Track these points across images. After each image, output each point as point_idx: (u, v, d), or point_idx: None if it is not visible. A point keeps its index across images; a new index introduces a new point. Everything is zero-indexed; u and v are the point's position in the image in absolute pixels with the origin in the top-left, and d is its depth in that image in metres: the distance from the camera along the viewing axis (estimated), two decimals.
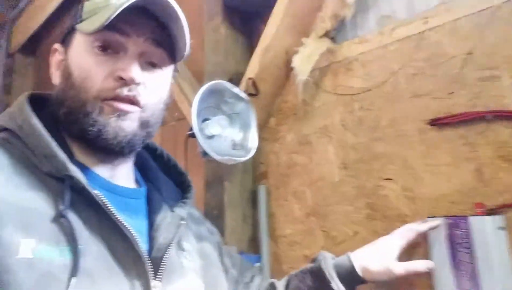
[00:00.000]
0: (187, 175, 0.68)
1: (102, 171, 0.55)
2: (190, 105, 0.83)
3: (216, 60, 1.22)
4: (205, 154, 0.83)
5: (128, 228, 0.49)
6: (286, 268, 1.05)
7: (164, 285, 0.50)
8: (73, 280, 0.42)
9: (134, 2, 0.50)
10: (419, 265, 0.69)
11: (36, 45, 2.46)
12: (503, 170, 0.72)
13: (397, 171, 0.87)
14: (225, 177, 1.12)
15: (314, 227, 1.01)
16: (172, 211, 0.59)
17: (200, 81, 1.30)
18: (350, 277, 0.68)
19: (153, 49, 0.55)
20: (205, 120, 0.88)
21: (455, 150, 0.79)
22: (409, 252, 0.77)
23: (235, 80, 1.16)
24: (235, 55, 1.24)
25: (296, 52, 1.04)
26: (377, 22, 0.98)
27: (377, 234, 0.86)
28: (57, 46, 0.59)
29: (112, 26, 0.51)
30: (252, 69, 1.11)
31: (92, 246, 0.46)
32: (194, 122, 0.81)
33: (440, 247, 0.72)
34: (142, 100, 0.54)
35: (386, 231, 0.77)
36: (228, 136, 0.90)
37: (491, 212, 0.71)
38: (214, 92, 0.88)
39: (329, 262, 0.69)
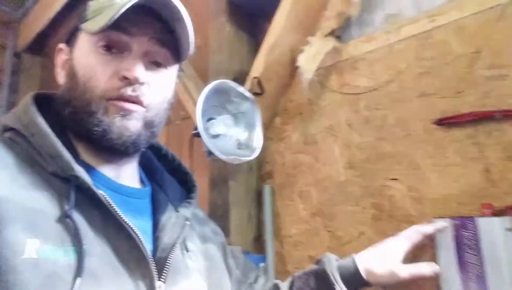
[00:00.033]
0: (192, 174, 0.68)
1: (107, 170, 0.55)
2: (195, 104, 0.83)
3: (221, 59, 1.22)
4: (210, 153, 0.83)
5: (133, 228, 0.49)
6: (291, 268, 1.05)
7: (169, 285, 0.50)
8: (78, 280, 0.42)
9: (138, 1, 0.50)
10: (424, 268, 0.68)
11: (43, 45, 2.47)
12: None
13: (404, 171, 0.86)
14: (230, 177, 1.12)
15: (319, 227, 1.00)
16: (177, 211, 0.59)
17: (205, 80, 1.30)
18: (354, 279, 0.67)
19: (158, 49, 0.55)
20: (210, 119, 0.88)
21: (462, 150, 0.78)
22: (416, 253, 0.76)
23: (240, 79, 1.16)
24: (240, 54, 1.23)
25: (301, 51, 1.04)
26: (383, 20, 0.98)
27: (382, 234, 0.86)
28: (62, 46, 0.59)
29: (117, 25, 0.51)
30: (257, 68, 1.10)
31: (96, 247, 0.46)
32: (199, 121, 0.81)
33: (447, 248, 0.71)
34: (145, 100, 0.54)
35: (392, 232, 0.76)
36: (233, 136, 0.90)
37: (499, 213, 0.70)
38: (219, 91, 0.87)
39: (333, 264, 0.69)
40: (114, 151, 0.54)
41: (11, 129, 0.52)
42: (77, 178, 0.48)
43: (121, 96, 0.52)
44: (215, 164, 1.17)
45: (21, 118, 0.52)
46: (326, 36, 1.04)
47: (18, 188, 0.45)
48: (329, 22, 1.03)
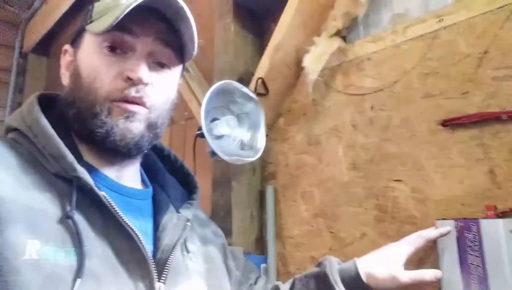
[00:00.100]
0: (194, 176, 0.68)
1: (109, 172, 0.56)
2: (199, 104, 0.83)
3: (226, 59, 1.22)
4: (213, 154, 0.83)
5: (133, 229, 0.49)
6: (293, 269, 1.04)
7: (169, 286, 0.50)
8: (78, 281, 0.42)
9: (143, 2, 0.50)
10: (426, 274, 0.67)
11: (49, 45, 2.50)
12: None
13: (407, 172, 0.85)
14: (233, 177, 1.12)
15: (321, 228, 1.00)
16: (178, 212, 0.59)
17: (210, 80, 1.30)
18: (354, 283, 0.66)
19: (162, 49, 0.55)
20: (214, 120, 0.88)
21: (467, 151, 0.77)
22: (420, 255, 0.75)
23: (245, 79, 1.16)
24: (245, 54, 1.23)
25: (307, 51, 1.03)
26: (390, 20, 0.97)
27: (385, 236, 0.85)
28: (67, 47, 0.60)
29: (121, 26, 0.51)
30: (262, 69, 1.10)
31: (97, 247, 0.47)
32: (203, 122, 0.81)
33: (449, 249, 0.71)
34: (149, 101, 0.54)
35: (395, 233, 0.76)
36: (237, 136, 0.90)
37: (503, 214, 0.69)
38: (223, 92, 0.87)
39: (334, 267, 0.68)
40: (117, 152, 0.54)
41: (15, 129, 0.52)
42: (79, 179, 0.48)
43: (125, 97, 0.52)
44: (218, 165, 1.17)
45: (25, 118, 0.52)
46: (331, 36, 1.03)
47: (21, 188, 0.46)
48: (335, 22, 1.02)
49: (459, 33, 0.82)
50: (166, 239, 0.54)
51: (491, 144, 0.74)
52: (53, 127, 0.51)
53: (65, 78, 0.58)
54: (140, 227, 0.51)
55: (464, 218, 0.71)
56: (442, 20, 0.84)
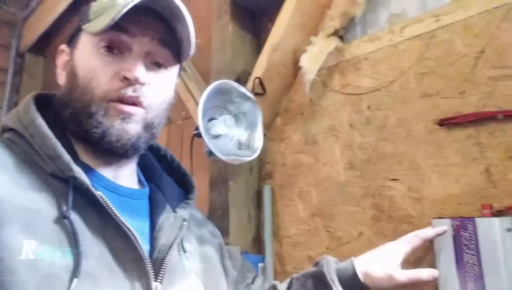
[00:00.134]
0: (191, 175, 0.68)
1: (106, 172, 0.55)
2: (197, 104, 0.83)
3: (223, 58, 1.22)
4: (210, 153, 0.83)
5: (130, 228, 0.49)
6: (290, 268, 1.05)
7: (165, 286, 0.50)
8: (75, 281, 0.42)
9: (139, 2, 0.50)
10: (423, 273, 0.68)
11: (45, 45, 2.49)
12: None
13: (404, 172, 0.86)
14: (230, 177, 1.12)
15: (319, 227, 1.00)
16: (175, 212, 0.59)
17: (207, 80, 1.30)
18: (352, 282, 0.67)
19: (159, 49, 0.55)
20: (211, 119, 0.88)
21: (464, 150, 0.77)
22: (418, 254, 0.76)
23: (243, 79, 1.16)
24: (242, 54, 1.23)
25: (304, 51, 1.03)
26: (387, 20, 0.97)
27: (382, 235, 0.85)
28: (63, 46, 0.60)
29: (118, 26, 0.51)
30: (260, 68, 1.10)
31: (94, 247, 0.46)
32: (200, 122, 0.81)
33: (446, 248, 0.71)
34: (146, 101, 0.54)
35: (391, 232, 0.76)
36: (234, 136, 0.90)
37: (498, 213, 0.69)
38: (221, 92, 0.87)
39: (331, 267, 0.68)
40: (113, 153, 0.54)
41: (11, 129, 0.52)
42: (75, 179, 0.48)
43: (121, 97, 0.52)
44: (215, 164, 1.17)
45: (21, 118, 0.52)
46: (329, 36, 1.04)
47: (17, 188, 0.46)
48: (333, 22, 1.03)
49: (456, 32, 0.82)
50: (163, 239, 0.54)
51: (487, 143, 0.74)
52: (50, 127, 0.50)
53: (61, 78, 0.58)
54: (136, 227, 0.50)
55: (461, 217, 0.71)
56: (439, 20, 0.85)
